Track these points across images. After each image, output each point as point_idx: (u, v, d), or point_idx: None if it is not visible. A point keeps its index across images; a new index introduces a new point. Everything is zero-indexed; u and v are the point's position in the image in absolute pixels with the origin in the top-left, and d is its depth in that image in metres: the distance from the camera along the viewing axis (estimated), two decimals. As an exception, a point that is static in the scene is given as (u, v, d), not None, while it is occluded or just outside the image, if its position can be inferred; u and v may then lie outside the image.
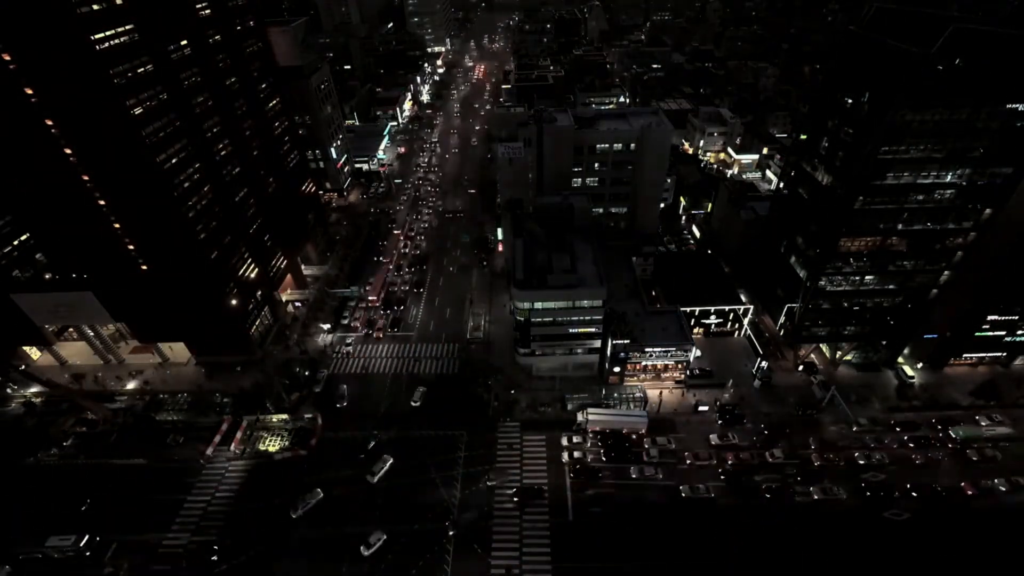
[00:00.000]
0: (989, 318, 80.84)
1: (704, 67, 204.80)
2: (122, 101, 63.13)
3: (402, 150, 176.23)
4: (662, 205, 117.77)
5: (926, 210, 71.73)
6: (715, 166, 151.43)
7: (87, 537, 64.90)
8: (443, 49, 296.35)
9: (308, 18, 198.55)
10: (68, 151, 66.18)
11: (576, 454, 74.94)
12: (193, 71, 77.15)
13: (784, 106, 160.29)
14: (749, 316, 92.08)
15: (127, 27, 64.11)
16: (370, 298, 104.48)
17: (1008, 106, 63.04)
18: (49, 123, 63.91)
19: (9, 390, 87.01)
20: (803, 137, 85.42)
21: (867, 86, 68.18)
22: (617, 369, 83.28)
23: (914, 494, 68.67)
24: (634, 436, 76.69)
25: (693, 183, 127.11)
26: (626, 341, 79.09)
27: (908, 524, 65.47)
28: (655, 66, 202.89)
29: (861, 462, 72.48)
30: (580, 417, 77.72)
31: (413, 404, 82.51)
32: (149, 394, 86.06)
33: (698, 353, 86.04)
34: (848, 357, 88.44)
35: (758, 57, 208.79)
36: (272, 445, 76.99)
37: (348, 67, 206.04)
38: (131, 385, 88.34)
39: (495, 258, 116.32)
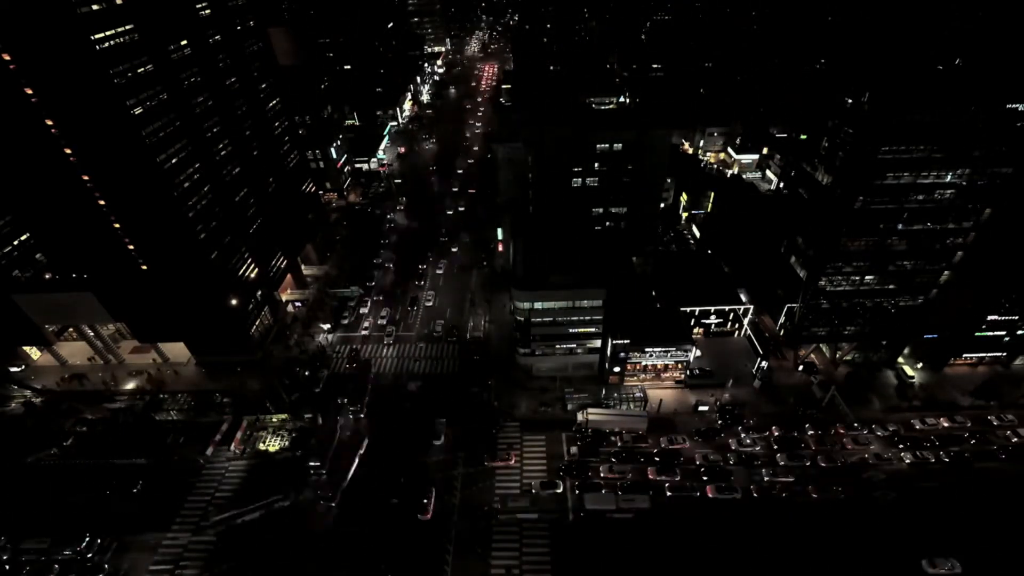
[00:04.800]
0: (989, 318, 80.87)
1: (704, 67, 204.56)
2: (122, 101, 63.14)
3: (402, 150, 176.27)
4: (662, 205, 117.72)
5: (926, 210, 71.81)
6: (715, 166, 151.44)
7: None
8: (443, 49, 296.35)
9: (308, 18, 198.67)
10: (68, 151, 66.17)
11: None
12: (193, 71, 77.13)
13: (784, 106, 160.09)
14: (749, 316, 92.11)
15: (127, 27, 64.10)
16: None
17: (1008, 106, 63.07)
18: (49, 123, 63.88)
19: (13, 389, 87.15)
20: (803, 137, 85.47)
21: (867, 86, 68.19)
22: (617, 369, 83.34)
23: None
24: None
25: (693, 183, 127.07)
26: (626, 341, 79.14)
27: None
28: (655, 66, 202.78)
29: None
30: (580, 417, 77.71)
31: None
32: (149, 394, 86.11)
33: (698, 353, 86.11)
34: (848, 357, 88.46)
35: (757, 57, 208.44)
36: (272, 445, 77.05)
37: (348, 67, 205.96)
38: (131, 385, 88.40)
39: (495, 258, 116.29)
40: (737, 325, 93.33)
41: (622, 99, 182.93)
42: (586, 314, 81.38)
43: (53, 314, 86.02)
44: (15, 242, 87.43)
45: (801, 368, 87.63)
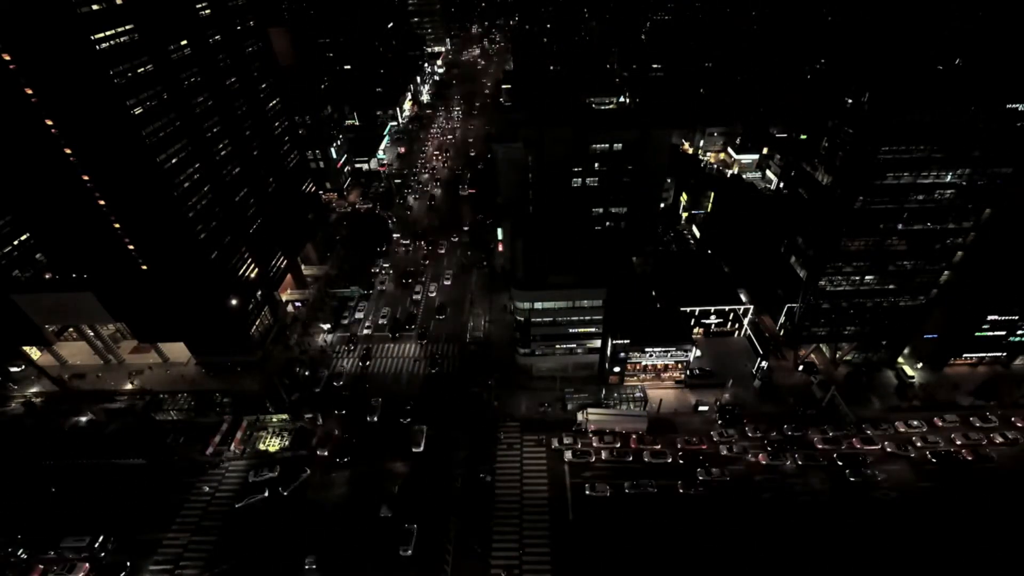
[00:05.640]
0: (989, 318, 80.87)
1: (704, 67, 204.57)
2: (122, 101, 63.12)
3: (402, 150, 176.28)
4: (662, 205, 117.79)
5: (926, 210, 71.83)
6: (715, 166, 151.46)
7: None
8: (443, 49, 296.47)
9: (308, 18, 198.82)
10: (68, 151, 66.17)
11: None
12: (193, 71, 77.09)
13: (784, 106, 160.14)
14: (749, 316, 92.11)
15: (127, 27, 64.06)
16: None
17: (1008, 106, 63.08)
18: (49, 123, 63.87)
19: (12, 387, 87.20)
20: (803, 137, 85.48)
21: (867, 86, 68.18)
22: (617, 369, 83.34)
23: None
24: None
25: (693, 183, 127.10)
26: (626, 341, 79.15)
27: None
28: (655, 66, 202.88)
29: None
30: (580, 417, 77.73)
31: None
32: (149, 394, 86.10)
33: (698, 353, 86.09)
34: (848, 357, 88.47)
35: (757, 57, 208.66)
36: (272, 445, 77.07)
37: (348, 67, 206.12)
38: (131, 385, 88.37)
39: (495, 258, 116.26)
40: (737, 325, 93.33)
41: (622, 99, 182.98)
42: (586, 314, 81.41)
43: (53, 314, 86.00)
44: (15, 242, 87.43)
45: (801, 368, 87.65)
